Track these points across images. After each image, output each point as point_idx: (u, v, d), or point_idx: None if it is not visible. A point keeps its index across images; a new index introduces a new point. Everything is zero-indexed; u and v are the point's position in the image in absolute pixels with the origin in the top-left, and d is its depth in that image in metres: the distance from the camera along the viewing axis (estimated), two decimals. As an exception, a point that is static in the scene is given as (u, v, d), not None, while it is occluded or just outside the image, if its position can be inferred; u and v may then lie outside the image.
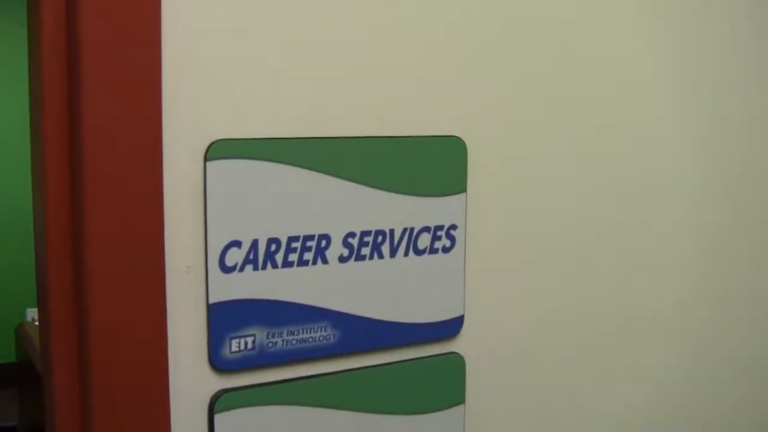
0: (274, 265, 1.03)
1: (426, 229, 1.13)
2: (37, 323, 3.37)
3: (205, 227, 0.99)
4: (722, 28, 1.46)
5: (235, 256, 1.01)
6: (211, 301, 1.00)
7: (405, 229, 1.11)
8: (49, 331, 0.98)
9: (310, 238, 1.05)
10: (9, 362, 3.71)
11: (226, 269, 1.00)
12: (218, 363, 1.01)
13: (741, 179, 1.53)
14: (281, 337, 1.04)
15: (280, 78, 1.04)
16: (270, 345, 1.04)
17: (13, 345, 3.55)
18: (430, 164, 1.13)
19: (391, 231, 1.10)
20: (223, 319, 1.01)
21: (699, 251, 1.50)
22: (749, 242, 1.56)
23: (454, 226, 1.16)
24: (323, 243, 1.06)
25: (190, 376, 1.01)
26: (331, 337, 1.08)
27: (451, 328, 1.18)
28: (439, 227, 1.14)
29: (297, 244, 1.04)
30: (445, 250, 1.15)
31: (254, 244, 1.02)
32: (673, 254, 1.46)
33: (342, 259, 1.07)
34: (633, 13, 1.34)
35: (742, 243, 1.55)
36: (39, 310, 1.04)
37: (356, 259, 1.08)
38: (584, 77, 1.31)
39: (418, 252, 1.13)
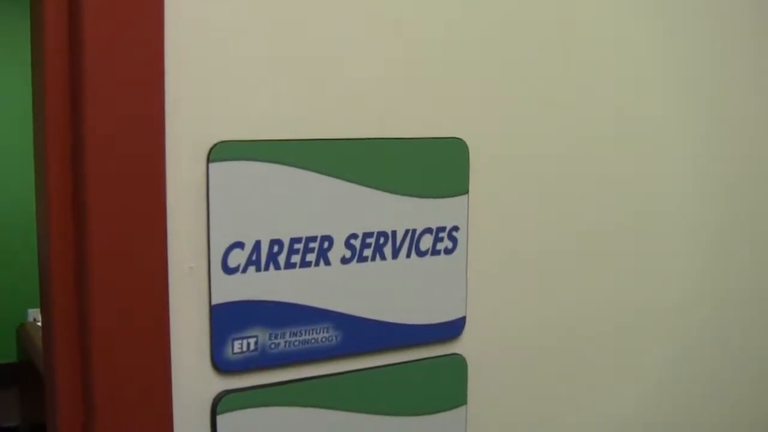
0: (277, 267, 1.04)
1: (428, 230, 1.14)
2: (38, 323, 3.38)
3: (208, 228, 1.00)
4: (722, 27, 1.46)
5: (237, 258, 1.01)
6: (213, 302, 1.00)
7: (407, 231, 1.11)
8: (52, 332, 0.98)
9: (313, 239, 1.05)
10: (10, 362, 3.71)
11: (228, 270, 1.01)
12: (221, 364, 1.01)
13: (741, 179, 1.54)
14: (284, 338, 1.05)
15: (283, 79, 1.04)
16: (272, 346, 1.04)
17: (14, 345, 3.55)
18: (433, 166, 1.13)
19: (394, 232, 1.11)
20: (226, 320, 1.01)
21: (699, 251, 1.50)
22: (749, 242, 1.57)
23: (456, 228, 1.16)
24: (325, 244, 1.06)
25: (192, 377, 1.01)
26: (334, 338, 1.08)
27: (453, 329, 1.18)
28: (441, 229, 1.15)
29: (299, 246, 1.05)
30: (447, 251, 1.16)
31: (257, 245, 1.02)
32: (673, 254, 1.46)
33: (344, 261, 1.08)
34: (633, 13, 1.35)
35: (742, 243, 1.56)
36: (41, 311, 1.04)
37: (358, 261, 1.09)
38: (585, 77, 1.31)
39: (420, 253, 1.13)
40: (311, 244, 1.05)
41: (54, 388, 0.99)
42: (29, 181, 1.10)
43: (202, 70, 0.99)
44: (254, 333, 1.03)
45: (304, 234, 1.05)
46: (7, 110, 4.85)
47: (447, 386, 1.19)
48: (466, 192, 1.17)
